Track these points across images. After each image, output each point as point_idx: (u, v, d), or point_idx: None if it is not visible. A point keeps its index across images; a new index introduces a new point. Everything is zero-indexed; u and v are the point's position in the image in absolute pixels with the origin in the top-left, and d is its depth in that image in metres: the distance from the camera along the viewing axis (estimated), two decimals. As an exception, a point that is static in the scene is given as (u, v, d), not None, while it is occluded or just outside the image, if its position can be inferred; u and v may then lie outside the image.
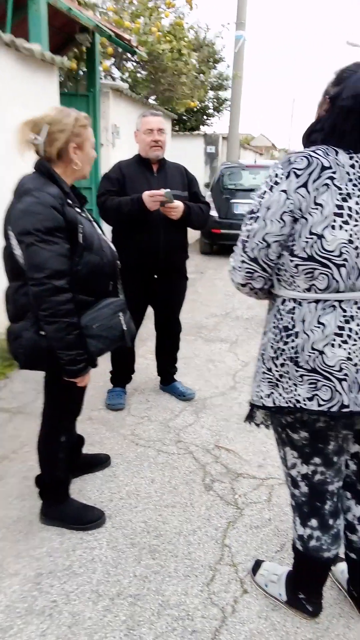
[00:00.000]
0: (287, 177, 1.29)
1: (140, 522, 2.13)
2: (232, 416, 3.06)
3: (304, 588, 1.63)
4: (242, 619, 1.66)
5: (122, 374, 3.24)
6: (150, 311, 3.19)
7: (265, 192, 1.34)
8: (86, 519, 2.10)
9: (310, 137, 1.35)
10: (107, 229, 2.95)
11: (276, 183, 1.31)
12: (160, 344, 3.27)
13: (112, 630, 1.63)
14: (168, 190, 2.69)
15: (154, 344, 3.35)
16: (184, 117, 15.02)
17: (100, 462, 2.52)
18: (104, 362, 3.73)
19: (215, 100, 15.79)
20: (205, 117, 16.11)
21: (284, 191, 1.29)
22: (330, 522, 1.53)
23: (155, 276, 2.93)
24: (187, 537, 2.04)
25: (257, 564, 1.83)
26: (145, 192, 2.71)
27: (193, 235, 10.37)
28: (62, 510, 2.11)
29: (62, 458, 2.07)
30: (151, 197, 2.69)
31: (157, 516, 2.17)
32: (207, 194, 8.70)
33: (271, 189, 1.32)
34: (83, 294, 1.80)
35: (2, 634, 1.61)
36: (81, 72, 6.69)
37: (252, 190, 8.22)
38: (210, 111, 16.29)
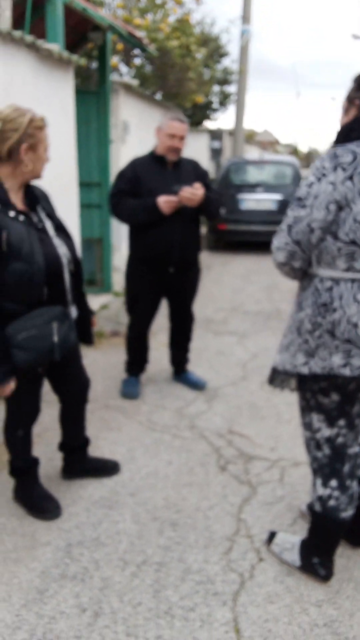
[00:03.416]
0: (334, 169, 1.45)
1: (160, 499, 2.28)
2: (243, 404, 3.20)
3: (318, 551, 1.79)
4: (259, 583, 1.82)
5: (137, 363, 3.38)
6: (162, 304, 3.32)
7: (312, 182, 1.50)
8: (41, 508, 2.14)
9: (351, 135, 1.51)
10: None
11: (324, 175, 1.47)
12: (174, 334, 3.40)
13: (140, 593, 1.78)
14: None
15: (166, 336, 3.48)
16: (188, 113, 15.07)
17: (107, 469, 2.44)
18: (119, 352, 3.89)
19: (220, 94, 15.84)
20: (209, 112, 16.15)
21: (332, 183, 1.45)
22: (348, 482, 1.72)
23: (171, 270, 3.06)
24: (205, 513, 2.19)
25: (272, 535, 1.98)
26: (160, 199, 2.83)
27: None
28: (23, 494, 2.19)
29: (20, 449, 2.14)
30: (166, 204, 2.82)
31: (176, 494, 2.32)
32: (213, 189, 8.79)
33: (319, 180, 1.48)
34: (10, 302, 1.78)
35: (40, 595, 1.76)
36: (90, 69, 6.80)
37: (258, 185, 8.33)
38: (215, 106, 16.33)
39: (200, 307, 5.22)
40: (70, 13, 4.57)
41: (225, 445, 2.73)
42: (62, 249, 1.91)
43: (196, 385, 3.41)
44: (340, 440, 1.69)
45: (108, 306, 5.18)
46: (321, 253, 1.56)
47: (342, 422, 1.67)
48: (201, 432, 2.87)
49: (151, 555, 1.95)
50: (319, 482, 1.75)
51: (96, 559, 1.94)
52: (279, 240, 1.61)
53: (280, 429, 2.89)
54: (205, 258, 7.96)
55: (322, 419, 1.69)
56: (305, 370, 1.63)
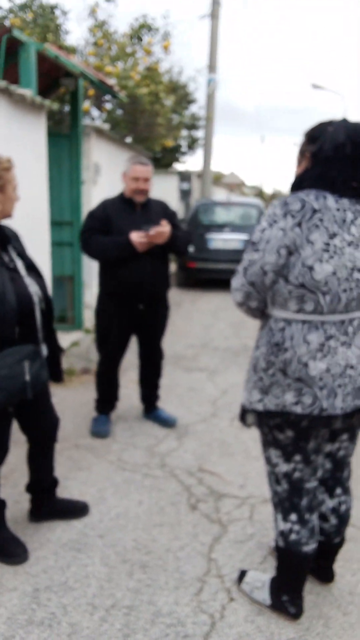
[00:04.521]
0: (285, 216, 1.54)
1: (130, 541, 2.25)
2: (213, 441, 3.22)
3: (286, 588, 1.79)
4: (230, 623, 1.80)
5: (107, 401, 3.37)
6: (132, 341, 3.35)
7: (265, 228, 1.58)
8: (7, 552, 2.08)
9: (302, 185, 1.61)
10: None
11: (275, 221, 1.56)
12: (143, 371, 3.42)
13: (109, 638, 1.74)
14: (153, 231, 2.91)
15: (136, 373, 3.50)
16: (158, 155, 15.54)
17: (76, 510, 2.40)
18: (89, 390, 3.87)
19: (188, 138, 16.42)
20: (178, 155, 16.69)
21: (282, 229, 1.54)
22: (307, 516, 1.74)
23: (141, 306, 3.11)
24: (175, 553, 2.18)
25: (242, 574, 1.98)
26: (133, 235, 2.91)
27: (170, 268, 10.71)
28: None
29: None
30: (140, 242, 2.90)
31: (146, 535, 2.30)
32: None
33: (271, 225, 1.57)
34: None
35: (6, 645, 1.70)
36: (63, 112, 6.99)
37: (225, 225, 8.59)
38: (184, 149, 16.89)
39: (171, 343, 5.26)
40: (43, 59, 4.74)
41: (195, 484, 2.73)
42: (33, 288, 1.95)
43: (167, 423, 3.41)
44: (297, 475, 1.73)
45: (79, 343, 5.17)
46: (275, 295, 1.63)
47: (297, 458, 1.71)
48: (172, 470, 2.86)
49: (120, 599, 1.92)
50: (279, 516, 1.78)
51: (64, 603, 1.89)
52: (236, 282, 1.69)
53: (248, 466, 2.92)
54: (175, 295, 8.06)
55: (279, 454, 1.73)
56: (260, 406, 1.68)
